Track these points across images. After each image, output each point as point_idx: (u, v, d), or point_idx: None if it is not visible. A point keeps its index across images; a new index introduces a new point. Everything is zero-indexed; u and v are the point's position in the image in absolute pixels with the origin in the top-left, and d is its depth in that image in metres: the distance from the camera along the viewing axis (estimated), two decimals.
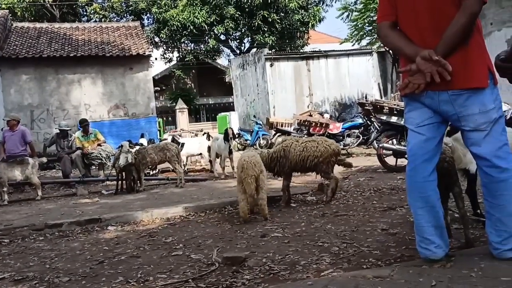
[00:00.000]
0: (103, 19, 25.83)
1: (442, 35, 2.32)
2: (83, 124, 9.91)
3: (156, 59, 23.95)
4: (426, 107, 2.48)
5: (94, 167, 9.97)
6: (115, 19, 26.56)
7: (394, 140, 7.74)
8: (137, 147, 8.89)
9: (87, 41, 16.81)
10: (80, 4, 27.50)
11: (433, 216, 2.49)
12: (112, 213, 5.30)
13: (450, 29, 2.30)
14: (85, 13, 28.76)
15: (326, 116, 15.24)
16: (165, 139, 12.06)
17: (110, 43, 16.68)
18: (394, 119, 7.77)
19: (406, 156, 7.15)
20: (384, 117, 7.97)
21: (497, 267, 2.29)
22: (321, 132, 12.32)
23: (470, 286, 2.10)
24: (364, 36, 18.18)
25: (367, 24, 17.49)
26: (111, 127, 15.49)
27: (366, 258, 2.95)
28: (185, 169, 9.88)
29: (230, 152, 8.78)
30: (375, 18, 16.67)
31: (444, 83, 2.34)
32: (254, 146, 15.18)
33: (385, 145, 7.68)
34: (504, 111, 7.39)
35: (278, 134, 14.16)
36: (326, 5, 26.36)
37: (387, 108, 7.95)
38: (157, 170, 10.07)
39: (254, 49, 23.78)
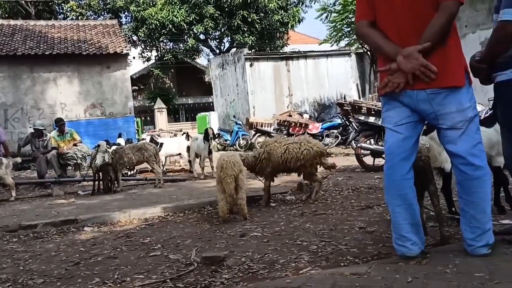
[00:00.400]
0: (79, 17, 25.37)
1: (420, 35, 2.36)
2: (59, 124, 9.72)
3: (134, 58, 23.68)
4: (404, 106, 2.51)
5: (70, 168, 9.78)
6: (92, 17, 26.12)
7: (372, 140, 7.85)
8: (114, 147, 8.77)
9: (63, 39, 16.48)
10: (56, 2, 26.96)
11: (410, 213, 2.53)
12: (88, 214, 5.21)
13: (429, 29, 2.34)
14: (61, 10, 28.20)
15: (306, 116, 15.34)
16: (143, 139, 11.92)
17: (87, 41, 16.39)
18: (372, 119, 7.88)
19: (383, 155, 7.25)
20: (362, 118, 8.07)
21: (470, 263, 2.35)
22: (300, 132, 12.39)
23: (445, 282, 2.14)
24: (343, 37, 18.39)
25: (345, 25, 17.70)
26: (87, 127, 15.21)
27: (344, 256, 2.98)
28: (164, 169, 9.79)
29: (210, 152, 8.74)
30: (353, 19, 16.86)
31: (423, 82, 2.38)
32: (234, 146, 15.17)
33: (363, 145, 7.77)
34: (478, 111, 7.60)
35: (258, 134, 14.19)
36: (306, 6, 26.52)
37: (365, 108, 8.05)
38: (135, 171, 9.95)
39: (234, 49, 23.73)
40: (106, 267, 3.21)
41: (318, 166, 5.35)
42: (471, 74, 2.55)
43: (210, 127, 9.81)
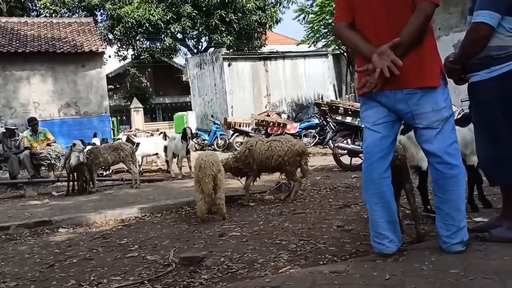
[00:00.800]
0: (53, 15, 24.80)
1: (397, 36, 2.39)
2: (32, 123, 9.49)
3: (110, 56, 23.33)
4: (382, 106, 2.55)
5: (44, 168, 9.56)
6: (67, 15, 25.56)
7: (349, 140, 7.93)
8: (89, 147, 8.61)
9: (37, 36, 16.10)
10: None
11: (387, 211, 2.56)
12: (63, 215, 5.10)
13: (405, 30, 2.38)
14: (34, 7, 27.51)
15: (284, 116, 15.42)
16: (119, 139, 11.75)
17: (61, 39, 16.06)
18: (349, 119, 7.97)
19: (360, 155, 7.36)
20: (339, 118, 8.15)
21: (446, 260, 2.39)
22: (278, 132, 12.43)
23: (421, 279, 2.18)
24: (320, 38, 18.51)
25: (322, 27, 17.81)
26: (62, 126, 14.93)
27: (322, 254, 2.99)
28: (141, 169, 9.68)
29: (188, 152, 8.68)
30: (330, 20, 17.03)
31: (399, 82, 2.41)
32: (212, 146, 15.11)
33: (340, 144, 7.85)
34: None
35: (236, 134, 14.17)
36: (283, 6, 26.67)
37: (342, 108, 8.13)
38: (110, 171, 9.79)
39: (212, 49, 23.65)
40: (81, 269, 3.14)
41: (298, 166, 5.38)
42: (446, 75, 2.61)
43: (188, 127, 9.75)
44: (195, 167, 4.47)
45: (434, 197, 2.60)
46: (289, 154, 5.15)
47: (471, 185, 3.82)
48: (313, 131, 13.42)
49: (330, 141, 8.91)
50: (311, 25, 18.15)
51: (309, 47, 19.41)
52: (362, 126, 6.82)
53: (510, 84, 2.58)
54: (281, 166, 5.23)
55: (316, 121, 13.57)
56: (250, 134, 13.20)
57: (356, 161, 7.63)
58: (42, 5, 25.87)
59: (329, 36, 18.07)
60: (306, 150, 5.47)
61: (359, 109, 7.49)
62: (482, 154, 2.82)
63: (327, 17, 17.05)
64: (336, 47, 18.45)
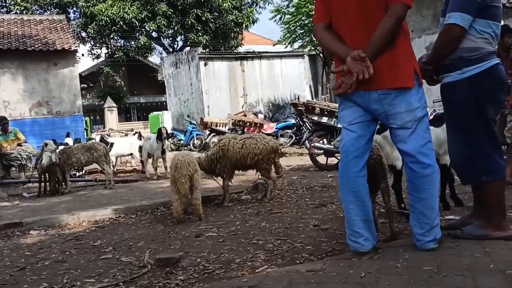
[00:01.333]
0: (24, 11, 24.13)
1: (371, 36, 2.43)
2: (2, 123, 9.21)
3: (83, 55, 22.83)
4: (358, 106, 2.59)
5: (14, 169, 9.31)
6: (38, 12, 24.91)
7: (325, 140, 8.00)
8: (62, 147, 8.42)
9: (7, 33, 15.63)
10: None
11: (363, 210, 2.60)
12: (34, 217, 4.98)
13: (378, 31, 2.41)
14: (4, 4, 26.68)
15: (260, 116, 15.43)
16: (93, 139, 11.54)
17: (32, 37, 15.64)
18: (325, 119, 8.04)
19: (336, 155, 7.42)
20: (315, 118, 8.21)
21: (419, 258, 2.44)
22: (255, 132, 12.43)
23: (396, 276, 2.22)
24: (296, 39, 18.65)
25: (299, 27, 17.95)
26: (33, 126, 14.55)
27: (299, 253, 3.01)
28: (115, 170, 9.52)
29: (163, 152, 8.59)
30: (307, 21, 17.20)
31: (373, 83, 2.45)
32: (188, 146, 15.00)
33: (317, 144, 7.91)
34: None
35: (212, 134, 14.11)
36: (260, 7, 26.66)
37: (318, 109, 8.20)
38: (83, 171, 9.60)
39: (188, 48, 23.46)
40: (54, 272, 3.07)
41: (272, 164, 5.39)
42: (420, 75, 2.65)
43: (163, 127, 9.65)
44: (171, 167, 4.42)
45: (408, 196, 2.65)
46: (264, 151, 5.15)
47: (444, 184, 3.91)
48: (290, 131, 13.48)
49: (307, 141, 8.97)
50: (287, 25, 18.27)
51: (286, 47, 19.53)
52: (338, 126, 6.91)
53: (481, 85, 2.65)
54: (257, 164, 5.23)
55: (293, 121, 13.64)
56: (227, 134, 13.16)
57: (332, 160, 7.70)
58: (12, 2, 25.15)
59: (305, 37, 18.22)
60: (279, 147, 5.49)
61: (335, 110, 7.61)
62: (454, 154, 2.88)
63: (303, 18, 17.20)
64: (312, 48, 18.62)
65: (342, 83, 2.49)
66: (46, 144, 7.01)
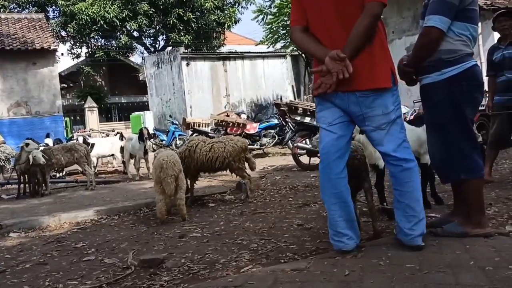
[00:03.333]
0: (1, 10, 23.61)
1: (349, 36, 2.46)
2: None
3: (62, 54, 22.47)
4: (336, 107, 2.61)
5: None
6: (16, 10, 24.41)
7: (308, 140, 8.04)
8: (42, 147, 8.27)
9: None
10: None
11: (345, 210, 2.62)
12: (14, 219, 4.89)
13: (354, 30, 2.45)
14: None
15: (243, 116, 15.40)
16: (75, 139, 11.37)
17: (11, 36, 15.33)
18: (307, 119, 8.09)
19: (318, 155, 7.45)
20: (298, 118, 8.25)
21: (402, 255, 2.48)
22: (238, 132, 12.41)
23: (379, 274, 2.25)
24: (279, 39, 18.69)
25: (281, 28, 18.00)
26: (11, 127, 14.27)
27: (283, 252, 3.02)
28: (96, 170, 9.41)
29: (146, 153, 8.52)
30: (288, 22, 17.24)
31: (352, 84, 2.48)
32: (171, 147, 14.89)
33: (300, 144, 7.95)
34: (404, 113, 8.06)
35: (195, 134, 14.03)
36: (242, 7, 26.65)
37: (301, 109, 8.25)
38: (64, 173, 9.46)
39: (170, 48, 23.30)
40: (35, 274, 3.02)
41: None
42: (397, 75, 2.70)
43: (145, 127, 9.57)
44: (156, 167, 4.36)
45: (393, 192, 2.68)
46: (234, 153, 5.17)
47: (424, 183, 3.97)
48: (273, 131, 13.48)
49: (289, 141, 9.00)
50: (269, 26, 18.31)
51: (268, 47, 19.56)
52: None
53: (459, 86, 2.71)
54: (228, 165, 5.24)
55: (276, 121, 13.65)
56: (209, 134, 13.11)
57: (315, 160, 7.74)
58: None
59: (287, 37, 18.28)
60: (247, 144, 5.54)
61: None
62: (434, 153, 2.94)
63: (285, 19, 17.24)
64: (295, 49, 18.69)
65: (322, 83, 2.51)
66: (27, 144, 6.88)
